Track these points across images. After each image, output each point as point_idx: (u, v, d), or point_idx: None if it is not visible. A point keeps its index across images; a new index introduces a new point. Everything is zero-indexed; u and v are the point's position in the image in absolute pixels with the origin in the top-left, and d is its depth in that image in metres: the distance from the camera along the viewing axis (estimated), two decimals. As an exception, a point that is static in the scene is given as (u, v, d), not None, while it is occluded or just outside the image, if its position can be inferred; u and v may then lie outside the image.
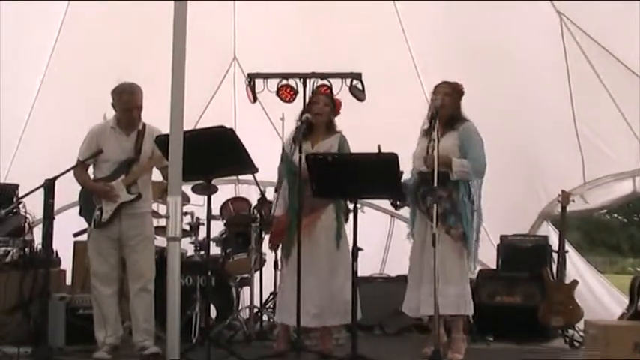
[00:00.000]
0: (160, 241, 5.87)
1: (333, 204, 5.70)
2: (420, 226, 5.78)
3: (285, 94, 6.97)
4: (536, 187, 7.84)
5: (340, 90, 7.13)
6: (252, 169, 5.53)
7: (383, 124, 7.43)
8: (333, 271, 5.67)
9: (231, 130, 5.29)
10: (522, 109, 7.46)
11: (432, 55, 7.66)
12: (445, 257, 5.46)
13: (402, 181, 5.55)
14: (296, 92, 6.79)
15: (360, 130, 7.31)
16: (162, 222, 5.89)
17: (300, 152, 5.57)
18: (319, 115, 5.81)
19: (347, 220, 5.76)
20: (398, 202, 5.88)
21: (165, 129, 4.71)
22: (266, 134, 7.83)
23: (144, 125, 5.74)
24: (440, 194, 5.42)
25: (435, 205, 5.21)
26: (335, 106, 6.00)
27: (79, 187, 5.77)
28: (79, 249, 6.81)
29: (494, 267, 7.40)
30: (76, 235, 6.25)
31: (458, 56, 7.31)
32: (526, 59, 7.24)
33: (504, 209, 7.51)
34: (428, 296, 5.40)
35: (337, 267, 5.69)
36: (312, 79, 6.93)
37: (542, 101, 7.41)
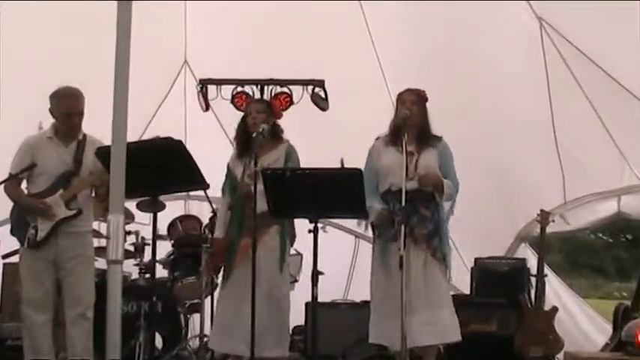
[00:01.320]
0: (101, 263, 5.81)
1: (278, 225, 5.63)
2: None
3: (241, 102, 6.97)
4: (513, 206, 7.90)
5: (301, 98, 7.14)
6: (202, 184, 5.51)
7: (347, 135, 7.44)
8: (273, 296, 5.57)
9: (179, 141, 5.27)
10: (498, 122, 7.50)
11: (402, 63, 7.65)
12: (435, 281, 5.47)
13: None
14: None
15: (323, 141, 7.36)
16: (104, 242, 5.82)
17: (249, 167, 5.39)
18: (255, 125, 5.61)
19: (292, 244, 5.76)
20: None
21: (107, 140, 4.67)
22: (219, 146, 7.78)
23: (84, 135, 5.67)
24: (424, 214, 5.46)
25: (402, 226, 5.19)
26: (273, 110, 5.89)
27: (11, 203, 5.69)
28: (9, 272, 6.74)
29: (468, 292, 7.44)
30: (5, 256, 6.18)
31: (429, 65, 7.28)
32: (503, 69, 7.29)
33: (478, 230, 7.56)
34: (422, 325, 5.32)
35: (278, 293, 5.63)
36: (270, 86, 6.93)
37: (519, 113, 7.45)
